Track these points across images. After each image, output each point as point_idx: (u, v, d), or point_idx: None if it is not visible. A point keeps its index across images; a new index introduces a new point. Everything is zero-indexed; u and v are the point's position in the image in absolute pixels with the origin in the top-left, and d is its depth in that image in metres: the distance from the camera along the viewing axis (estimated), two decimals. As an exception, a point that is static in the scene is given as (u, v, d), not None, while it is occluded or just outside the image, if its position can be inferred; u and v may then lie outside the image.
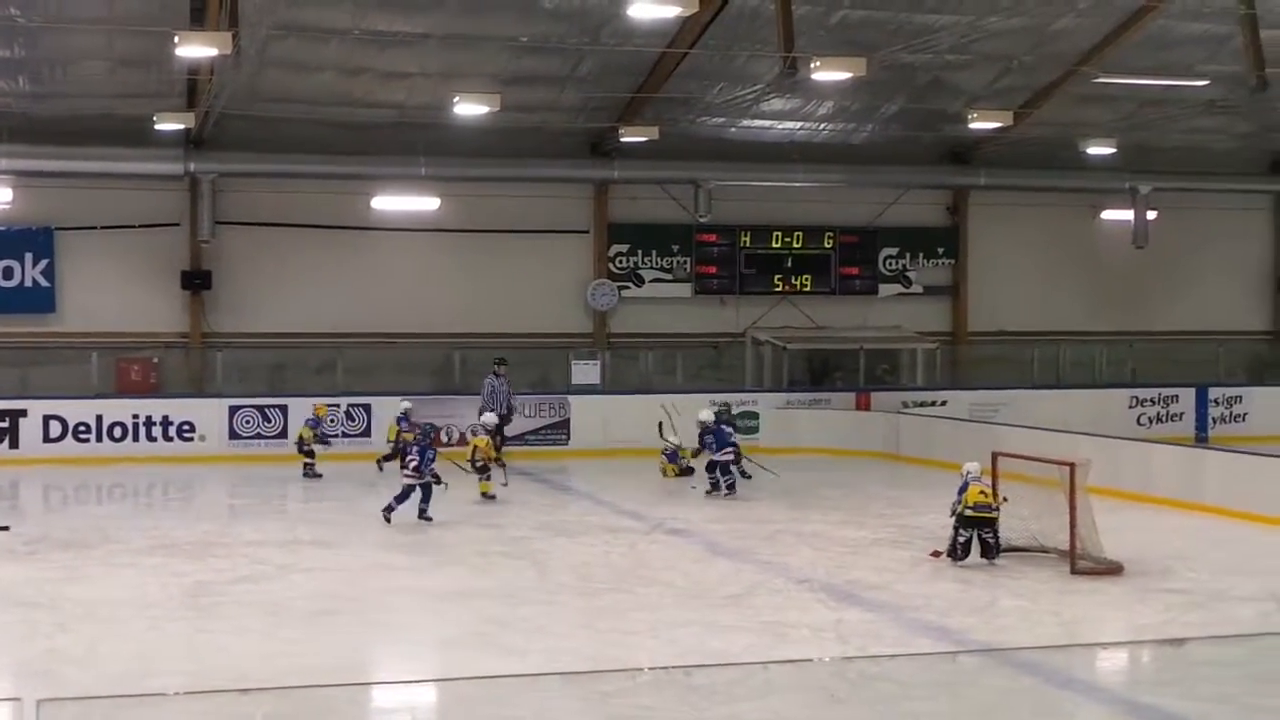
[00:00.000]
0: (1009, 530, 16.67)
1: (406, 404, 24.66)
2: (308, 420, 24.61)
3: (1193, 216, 33.81)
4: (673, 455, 24.11)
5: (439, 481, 19.42)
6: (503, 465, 22.06)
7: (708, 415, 22.72)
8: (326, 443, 24.62)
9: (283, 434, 26.50)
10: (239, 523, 20.34)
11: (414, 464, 19.39)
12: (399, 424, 24.07)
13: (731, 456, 22.09)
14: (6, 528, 18.68)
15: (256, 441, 26.58)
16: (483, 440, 21.74)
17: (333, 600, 14.82)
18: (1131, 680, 12.91)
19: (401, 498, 19.32)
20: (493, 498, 21.29)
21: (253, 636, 13.26)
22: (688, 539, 18.56)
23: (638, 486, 23.16)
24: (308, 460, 24.17)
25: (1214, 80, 27.53)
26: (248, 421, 26.57)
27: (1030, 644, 13.13)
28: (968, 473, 16.68)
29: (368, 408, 27.07)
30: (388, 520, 19.17)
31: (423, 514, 19.35)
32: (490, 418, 22.71)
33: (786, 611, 14.31)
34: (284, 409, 26.64)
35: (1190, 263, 34.19)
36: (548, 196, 30.39)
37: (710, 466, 22.14)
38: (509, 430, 26.19)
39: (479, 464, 21.38)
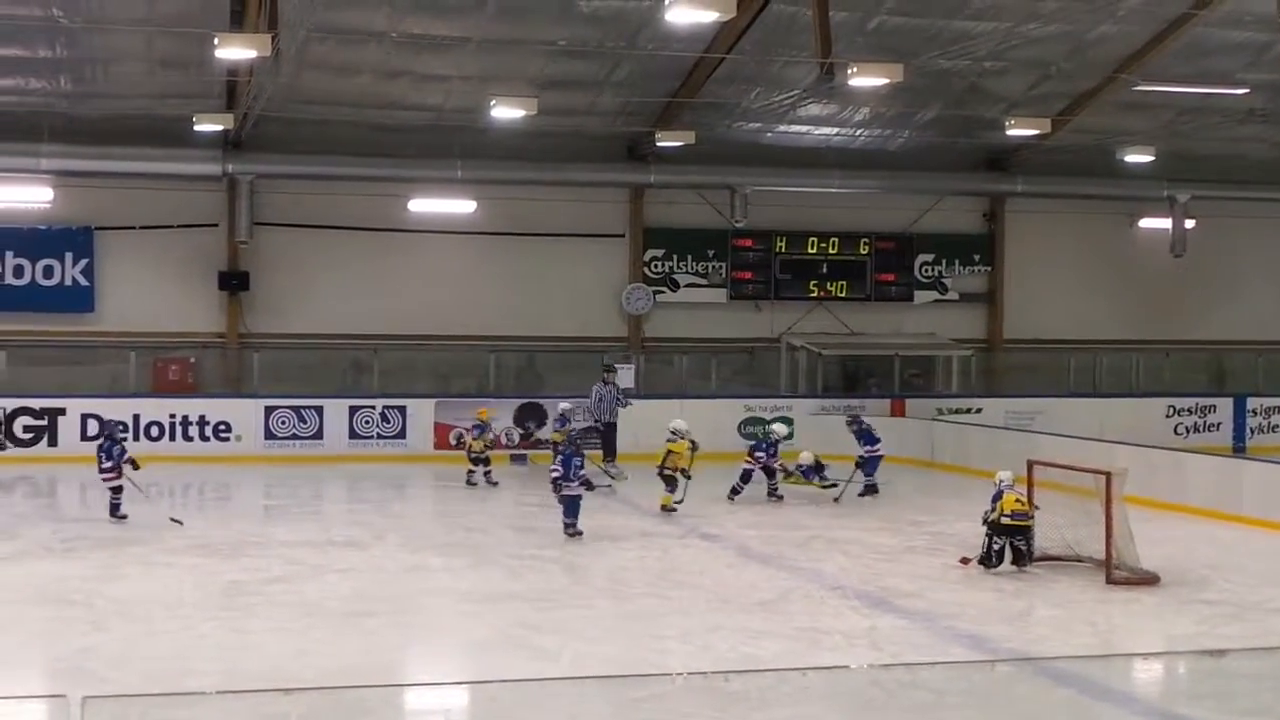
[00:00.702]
0: (1044, 539, 16.61)
1: (566, 405, 24.84)
2: (475, 427, 23.94)
3: (1231, 225, 33.61)
4: (808, 472, 22.91)
5: (591, 488, 18.71)
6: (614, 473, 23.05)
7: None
8: (493, 446, 24.29)
9: (318, 434, 26.65)
10: (274, 523, 20.42)
11: (556, 475, 18.54)
12: (557, 425, 24.32)
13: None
14: (180, 522, 19.00)
15: (292, 442, 26.68)
16: (680, 445, 20.86)
17: (367, 601, 14.86)
18: (1168, 691, 12.83)
19: (567, 512, 18.40)
20: (673, 510, 20.70)
21: (287, 636, 13.30)
22: (721, 544, 18.55)
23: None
24: (484, 469, 23.52)
25: (1254, 88, 27.44)
26: (283, 422, 26.68)
27: (1066, 654, 13.07)
28: (1001, 481, 16.64)
29: (403, 410, 27.15)
30: (578, 533, 18.34)
31: (569, 528, 18.36)
32: (681, 424, 21.42)
33: (820, 618, 14.29)
34: (319, 410, 26.76)
35: (1228, 272, 34.00)
36: (583, 200, 30.41)
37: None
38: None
39: (668, 473, 20.73)
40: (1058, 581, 15.98)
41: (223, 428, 26.60)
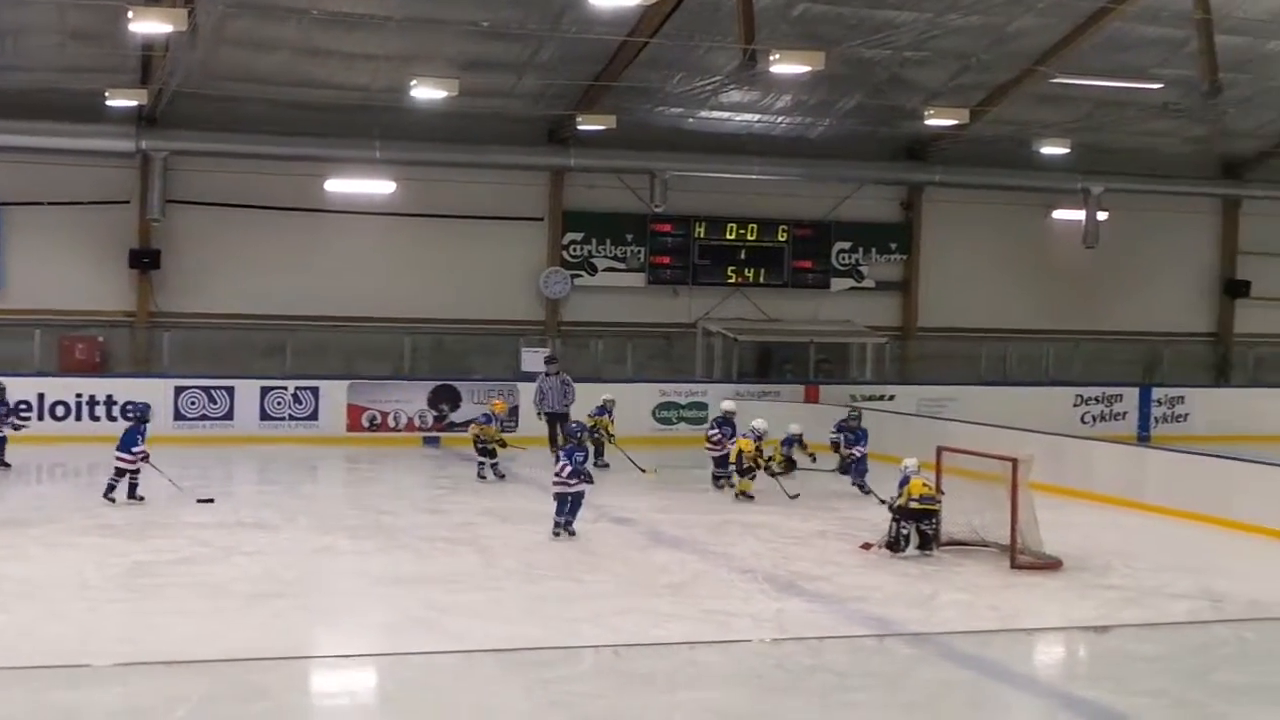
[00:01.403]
0: (950, 524, 16.78)
1: (610, 396, 24.31)
2: (486, 417, 22.72)
3: (1143, 218, 34.03)
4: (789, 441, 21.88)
5: (591, 481, 17.76)
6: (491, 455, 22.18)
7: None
8: (503, 443, 22.47)
9: (229, 415, 26.41)
10: (181, 504, 20.18)
11: (566, 470, 17.37)
12: (598, 415, 23.59)
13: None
14: (212, 500, 19.19)
15: (201, 423, 26.42)
16: (748, 444, 20.61)
17: (274, 583, 14.76)
18: (1068, 673, 13.04)
19: (560, 510, 17.40)
20: (750, 498, 20.51)
21: (192, 618, 13.15)
22: (633, 528, 18.57)
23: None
24: (490, 460, 22.30)
25: (1168, 84, 27.75)
26: (193, 402, 26.40)
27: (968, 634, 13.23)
28: (906, 467, 16.81)
29: (315, 391, 26.97)
30: (556, 534, 17.36)
31: (566, 525, 17.37)
32: (761, 423, 20.93)
33: (728, 601, 14.34)
34: (230, 390, 26.51)
35: (1138, 264, 34.43)
36: (503, 183, 30.33)
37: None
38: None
39: (745, 466, 20.54)
40: (963, 566, 16.14)
41: (131, 408, 26.25)
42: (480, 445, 22.29)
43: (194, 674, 11.28)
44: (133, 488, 19.25)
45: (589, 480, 17.71)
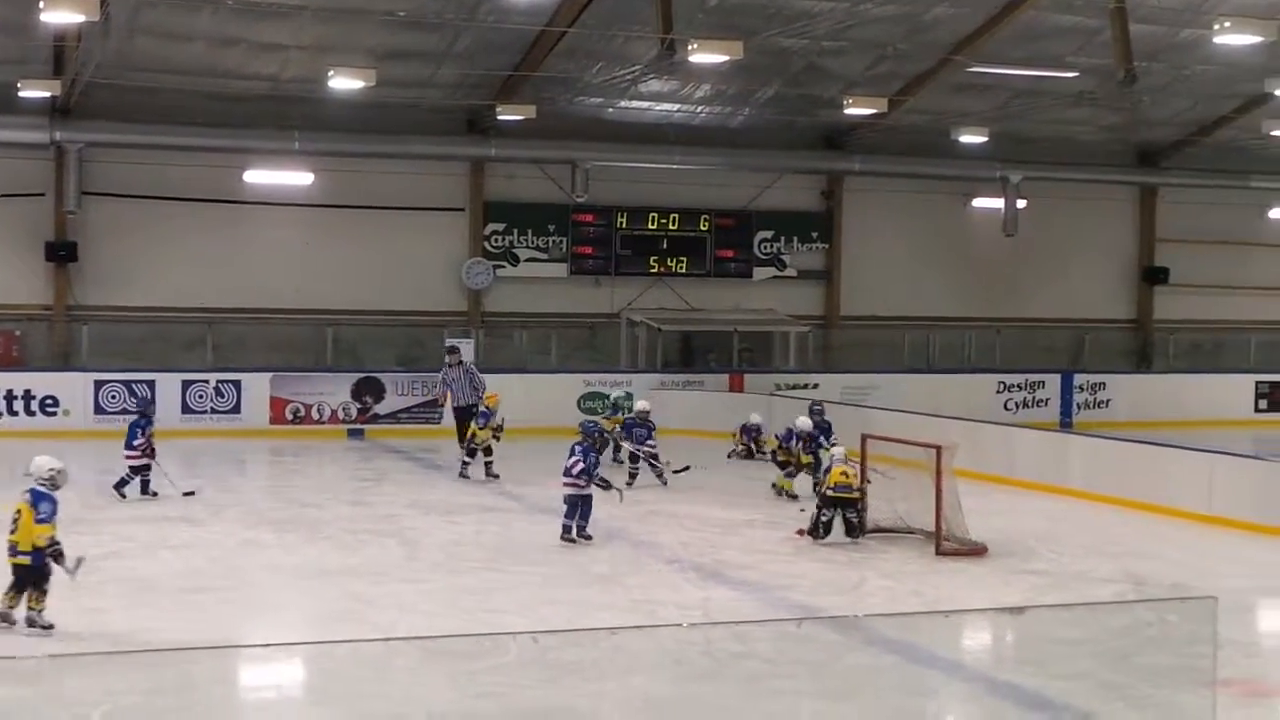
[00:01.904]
0: (875, 511, 16.88)
1: (645, 404, 22.97)
2: (483, 413, 21.58)
3: (1061, 206, 34.39)
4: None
5: (607, 487, 16.96)
6: (473, 455, 21.34)
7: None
8: (498, 438, 21.51)
9: (150, 409, 26.11)
10: (105, 500, 19.96)
11: (578, 468, 16.61)
12: (608, 413, 23.42)
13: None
14: (192, 493, 19.07)
15: (123, 417, 26.07)
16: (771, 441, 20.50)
17: (200, 577, 14.66)
18: (994, 658, 13.13)
19: (571, 513, 16.61)
20: (794, 497, 19.72)
21: (117, 614, 13.04)
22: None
23: (511, 466, 23.07)
24: (482, 459, 21.33)
25: (1083, 72, 28.05)
26: (114, 396, 26.12)
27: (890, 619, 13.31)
28: (831, 456, 16.89)
29: (237, 384, 26.76)
30: (572, 540, 16.58)
31: (580, 531, 16.60)
32: (805, 421, 20.37)
33: (655, 590, 14.38)
34: (151, 384, 26.20)
35: (1058, 252, 34.77)
36: (423, 174, 30.20)
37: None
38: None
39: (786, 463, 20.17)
40: (888, 553, 16.25)
41: (50, 402, 26.00)
42: (470, 446, 21.48)
43: (119, 667, 11.14)
44: (144, 484, 19.01)
45: (605, 485, 16.86)
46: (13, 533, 12.28)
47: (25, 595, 12.31)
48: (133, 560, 15.39)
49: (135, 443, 19.01)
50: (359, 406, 27.27)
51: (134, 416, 19.76)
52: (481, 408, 21.83)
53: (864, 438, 17.59)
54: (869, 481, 16.86)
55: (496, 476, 21.24)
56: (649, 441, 21.36)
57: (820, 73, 28.90)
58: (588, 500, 16.65)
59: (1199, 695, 10.42)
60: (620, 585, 14.59)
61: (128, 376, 26.35)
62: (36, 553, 12.24)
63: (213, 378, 26.82)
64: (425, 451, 25.03)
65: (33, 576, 12.26)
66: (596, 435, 17.54)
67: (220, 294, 28.96)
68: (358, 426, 27.08)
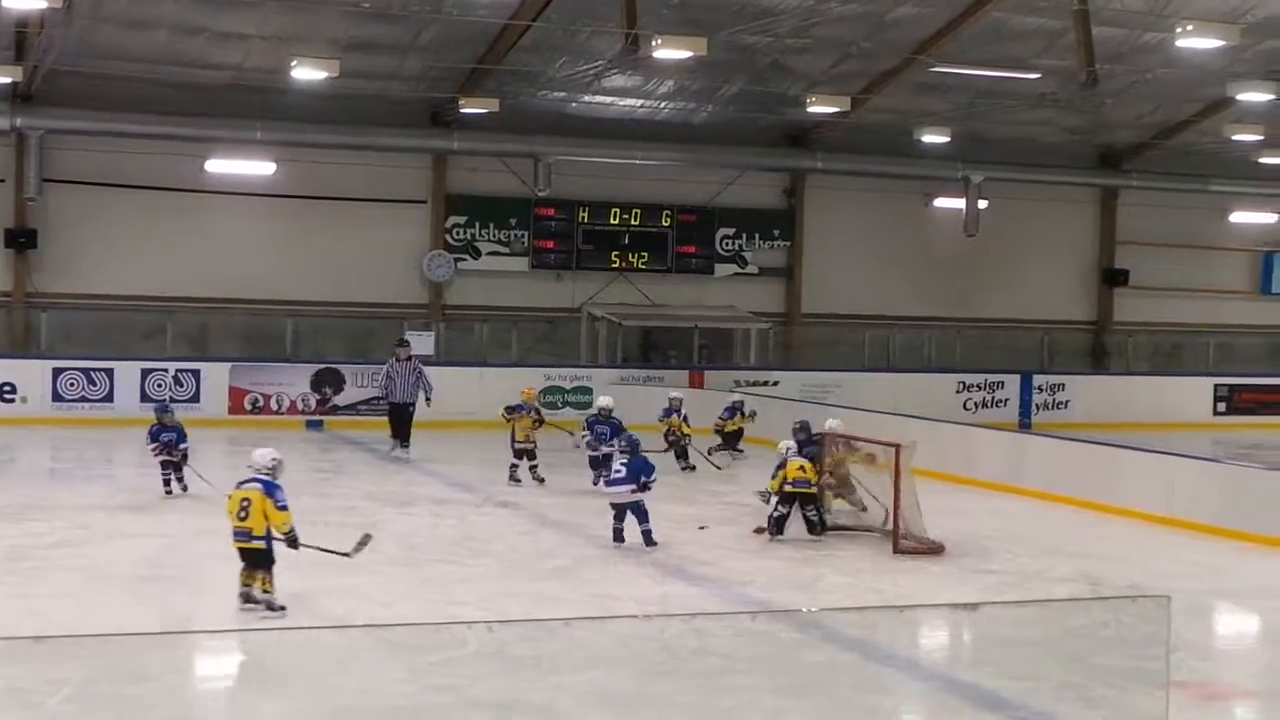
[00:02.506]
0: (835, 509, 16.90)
1: (677, 394, 23.06)
2: (523, 408, 20.31)
3: (1022, 207, 34.52)
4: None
5: (646, 488, 16.00)
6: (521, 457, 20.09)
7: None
8: (539, 425, 20.32)
9: (109, 397, 26.01)
10: (60, 487, 19.88)
11: (620, 475, 15.99)
12: (662, 416, 22.29)
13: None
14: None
15: (81, 405, 26.00)
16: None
17: (156, 566, 14.60)
18: (951, 657, 13.16)
19: (621, 517, 15.97)
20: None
21: (71, 601, 12.97)
22: (516, 512, 18.51)
23: (468, 458, 23.07)
24: (529, 463, 20.20)
25: (1046, 74, 28.15)
26: (72, 384, 25.99)
27: (845, 617, 13.32)
28: (786, 450, 16.87)
29: (197, 373, 26.64)
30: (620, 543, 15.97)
31: (645, 535, 15.89)
32: (836, 423, 19.03)
33: (613, 584, 14.36)
34: (110, 372, 26.12)
35: (1018, 252, 34.92)
36: (386, 165, 30.12)
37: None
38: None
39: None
40: (846, 550, 16.27)
41: (7, 389, 25.84)
42: (517, 445, 20.16)
43: (74, 655, 11.07)
44: (177, 480, 18.53)
45: (646, 487, 15.90)
46: (243, 519, 12.75)
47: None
48: (87, 548, 15.30)
49: (151, 444, 18.54)
50: (318, 398, 27.20)
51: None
52: (524, 400, 20.44)
53: (824, 436, 17.61)
54: (829, 474, 16.88)
55: (542, 480, 20.12)
56: (615, 439, 19.17)
57: (784, 70, 28.94)
58: (637, 506, 15.87)
59: (1153, 696, 10.48)
60: (578, 578, 14.57)
61: (86, 364, 26.22)
62: (267, 538, 12.80)
63: (172, 366, 26.70)
64: (383, 443, 24.91)
65: (264, 560, 12.84)
66: (638, 446, 16.53)
67: (181, 283, 28.83)
68: (316, 417, 26.99)
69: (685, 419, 22.57)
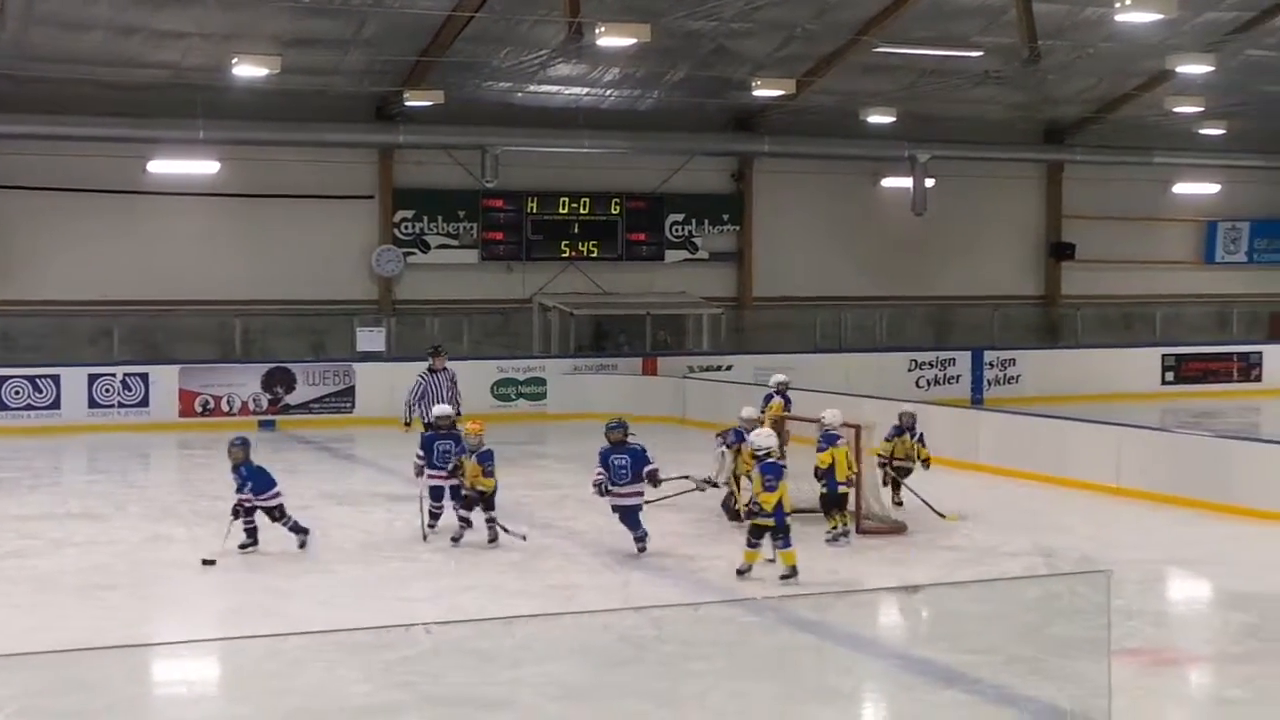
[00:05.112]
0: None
1: (782, 376, 20.29)
2: (458, 447, 15.85)
3: (969, 184, 34.61)
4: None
5: (657, 483, 15.42)
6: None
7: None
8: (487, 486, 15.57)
9: (55, 404, 25.74)
10: (6, 496, 19.63)
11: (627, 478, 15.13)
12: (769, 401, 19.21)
13: None
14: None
15: (27, 413, 25.72)
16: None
17: (106, 574, 14.44)
18: (908, 634, 13.18)
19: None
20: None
21: (19, 612, 12.84)
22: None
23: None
24: (486, 516, 15.52)
25: (989, 52, 28.21)
26: (17, 392, 25.69)
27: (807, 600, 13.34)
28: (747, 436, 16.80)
29: (145, 377, 26.38)
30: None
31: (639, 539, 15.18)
32: (783, 377, 18.66)
33: (573, 575, 14.34)
34: (56, 379, 25.84)
35: (967, 229, 35.01)
36: (332, 161, 29.93)
37: None
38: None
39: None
40: (807, 533, 16.22)
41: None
42: (461, 493, 15.64)
43: (23, 668, 10.94)
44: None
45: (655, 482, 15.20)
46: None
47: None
48: (34, 558, 15.14)
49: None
50: (270, 397, 27.00)
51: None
52: (465, 436, 15.86)
53: (780, 419, 17.60)
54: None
55: (506, 531, 15.65)
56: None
57: (728, 55, 28.90)
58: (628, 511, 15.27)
59: (1103, 665, 10.54)
60: (536, 570, 14.53)
61: (31, 371, 25.95)
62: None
63: (120, 371, 26.43)
64: (337, 442, 24.84)
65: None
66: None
67: (126, 286, 28.57)
68: (269, 418, 26.80)
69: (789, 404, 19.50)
